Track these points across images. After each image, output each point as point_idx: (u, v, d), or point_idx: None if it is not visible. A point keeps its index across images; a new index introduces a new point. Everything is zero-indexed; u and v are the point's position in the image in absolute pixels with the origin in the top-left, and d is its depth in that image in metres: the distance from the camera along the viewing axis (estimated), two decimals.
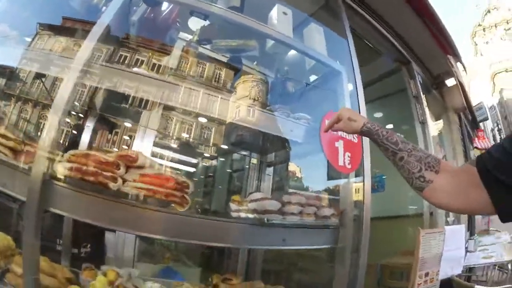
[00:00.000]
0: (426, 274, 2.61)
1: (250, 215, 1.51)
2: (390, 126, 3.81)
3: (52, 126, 1.24)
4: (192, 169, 2.60)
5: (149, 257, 2.05)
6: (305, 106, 2.09)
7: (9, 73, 2.03)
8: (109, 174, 1.18)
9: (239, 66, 2.36)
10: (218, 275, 1.92)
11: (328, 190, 2.78)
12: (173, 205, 1.27)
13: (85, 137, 2.03)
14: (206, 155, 2.66)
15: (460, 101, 4.36)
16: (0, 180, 1.25)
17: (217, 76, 2.36)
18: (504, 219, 0.68)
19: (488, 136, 8.70)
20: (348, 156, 1.78)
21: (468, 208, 0.76)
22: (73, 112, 2.02)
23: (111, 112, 2.22)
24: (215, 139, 2.52)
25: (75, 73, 1.31)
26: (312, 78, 2.28)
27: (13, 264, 1.38)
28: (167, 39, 2.26)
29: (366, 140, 1.90)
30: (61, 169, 1.18)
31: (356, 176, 1.94)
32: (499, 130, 29.56)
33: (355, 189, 1.93)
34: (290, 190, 2.86)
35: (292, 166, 2.78)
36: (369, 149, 1.90)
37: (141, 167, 1.25)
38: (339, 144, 1.79)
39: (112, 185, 1.17)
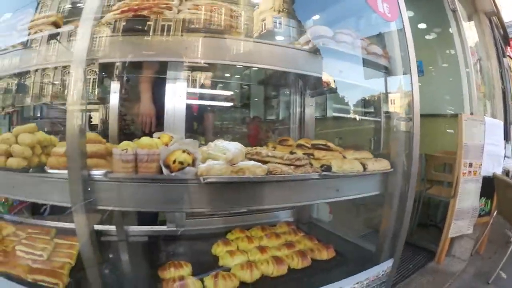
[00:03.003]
0: (470, 165, 2.53)
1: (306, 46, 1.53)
2: (423, 25, 3.70)
3: None
4: None
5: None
6: None
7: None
8: (164, 5, 1.18)
9: None
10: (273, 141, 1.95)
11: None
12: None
13: None
14: None
15: (490, 5, 4.03)
16: None
17: None
18: None
19: None
20: (387, 7, 1.73)
21: None
22: None
23: None
24: None
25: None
26: None
27: (54, 149, 1.37)
28: None
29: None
30: (109, 16, 1.18)
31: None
32: None
33: (391, 100, 1.93)
34: None
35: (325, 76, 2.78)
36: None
37: None
38: None
39: (167, 12, 1.16)
